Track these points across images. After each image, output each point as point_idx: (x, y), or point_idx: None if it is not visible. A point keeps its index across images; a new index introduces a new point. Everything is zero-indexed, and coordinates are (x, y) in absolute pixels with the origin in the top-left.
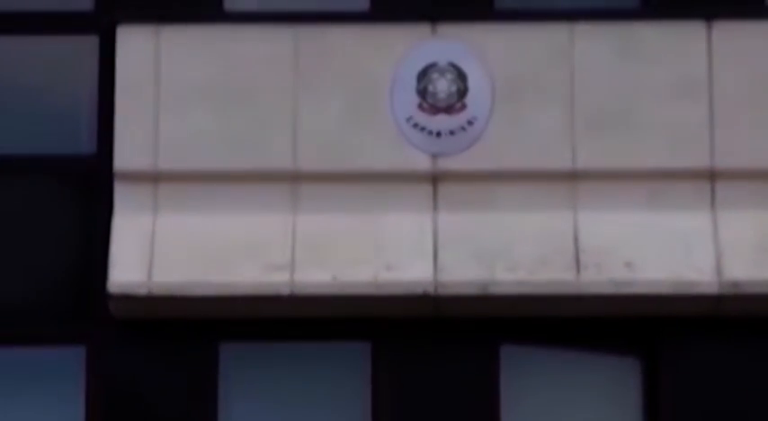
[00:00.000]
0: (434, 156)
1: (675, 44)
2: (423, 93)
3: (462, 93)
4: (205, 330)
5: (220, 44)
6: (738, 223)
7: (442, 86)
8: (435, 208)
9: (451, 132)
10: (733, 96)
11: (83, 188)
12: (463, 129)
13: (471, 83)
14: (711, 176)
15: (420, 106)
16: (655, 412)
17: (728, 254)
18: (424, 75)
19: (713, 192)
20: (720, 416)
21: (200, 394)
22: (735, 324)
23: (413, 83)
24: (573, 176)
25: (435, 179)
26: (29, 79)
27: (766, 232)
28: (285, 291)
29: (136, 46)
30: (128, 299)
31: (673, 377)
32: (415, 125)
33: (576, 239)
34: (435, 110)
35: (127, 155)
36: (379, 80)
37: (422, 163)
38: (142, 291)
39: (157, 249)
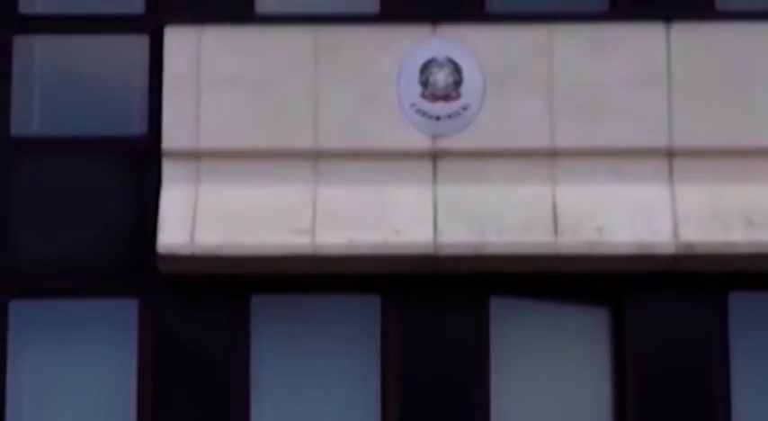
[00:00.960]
0: (434, 137)
1: (638, 42)
2: (424, 83)
3: (458, 83)
4: (239, 285)
5: (252, 41)
6: (692, 194)
7: (441, 78)
8: (435, 181)
9: (449, 117)
10: (688, 86)
11: (136, 164)
12: (458, 114)
13: (465, 75)
14: (669, 154)
15: (422, 95)
16: (621, 354)
17: (683, 220)
18: (425, 68)
19: (671, 167)
20: (675, 357)
21: (235, 340)
22: (688, 279)
23: (416, 75)
24: (552, 154)
25: (435, 156)
26: (92, 72)
27: (716, 202)
28: (307, 251)
29: (180, 44)
30: (173, 258)
31: (636, 325)
32: (418, 111)
33: (554, 207)
34: (435, 98)
35: (173, 136)
36: (387, 72)
37: (423, 143)
38: (186, 251)
39: (199, 216)
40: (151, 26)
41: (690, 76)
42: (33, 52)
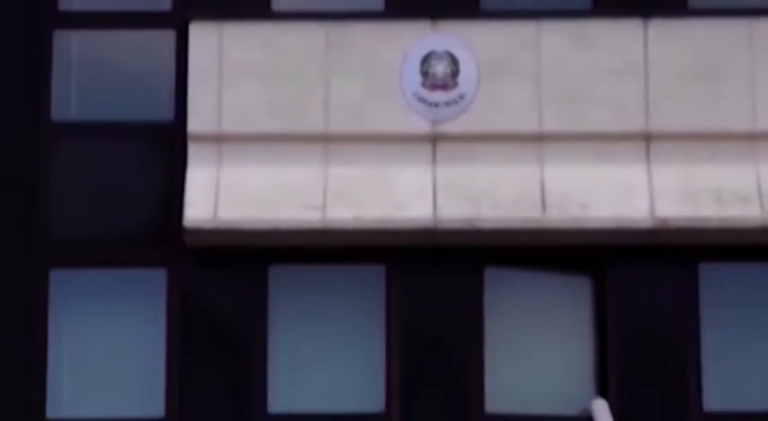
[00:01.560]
0: (433, 123)
1: (619, 37)
2: (424, 74)
3: (455, 74)
4: (257, 256)
5: (268, 36)
6: (667, 174)
7: (440, 69)
8: (434, 162)
9: (447, 104)
10: (663, 77)
11: (164, 147)
12: (455, 101)
13: (462, 66)
14: (646, 138)
15: (422, 84)
16: (602, 319)
17: (659, 197)
18: (425, 60)
19: (647, 150)
20: (650, 321)
21: (254, 306)
22: (663, 251)
23: (417, 66)
24: (540, 138)
25: (434, 140)
26: (124, 64)
27: (688, 181)
28: (318, 225)
29: (204, 38)
30: (198, 232)
31: (615, 292)
32: (419, 99)
33: (542, 186)
34: (434, 87)
35: (197, 121)
36: (391, 64)
37: (423, 128)
38: (209, 225)
39: (221, 193)
40: (177, 22)
41: (665, 67)
42: (71, 45)
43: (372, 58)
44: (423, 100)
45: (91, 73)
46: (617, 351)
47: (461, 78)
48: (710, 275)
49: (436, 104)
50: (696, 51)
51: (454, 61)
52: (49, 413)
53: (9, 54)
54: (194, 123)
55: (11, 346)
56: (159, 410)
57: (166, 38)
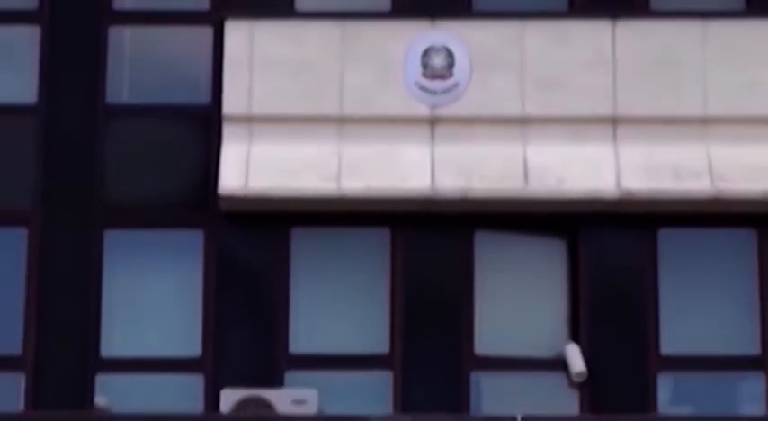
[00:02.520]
0: (432, 107)
1: (590, 34)
2: (425, 65)
3: (451, 65)
4: (281, 220)
5: (292, 31)
6: (631, 152)
7: (438, 61)
8: (432, 140)
9: (443, 91)
10: (629, 69)
11: (202, 126)
12: (451, 89)
13: (457, 59)
14: (613, 121)
15: (423, 74)
16: (574, 276)
17: (624, 172)
18: (425, 53)
19: (615, 131)
20: (616, 278)
21: (278, 263)
22: (628, 218)
23: (418, 58)
24: (523, 121)
25: (432, 122)
26: (169, 55)
27: (650, 158)
28: (334, 194)
29: (237, 34)
30: (231, 198)
31: (586, 253)
32: (420, 87)
33: (525, 162)
34: (433, 77)
35: (231, 105)
36: (396, 56)
37: (424, 111)
38: (240, 193)
39: (250, 166)
40: (214, 20)
41: (630, 61)
42: (123, 39)
43: (380, 52)
44: (423, 88)
45: (140, 63)
46: (587, 303)
47: (456, 69)
48: (668, 239)
49: (434, 92)
50: (657, 47)
51: (450, 55)
52: (103, 352)
53: (72, 47)
54: (228, 106)
55: (71, 296)
56: (196, 350)
57: (205, 33)
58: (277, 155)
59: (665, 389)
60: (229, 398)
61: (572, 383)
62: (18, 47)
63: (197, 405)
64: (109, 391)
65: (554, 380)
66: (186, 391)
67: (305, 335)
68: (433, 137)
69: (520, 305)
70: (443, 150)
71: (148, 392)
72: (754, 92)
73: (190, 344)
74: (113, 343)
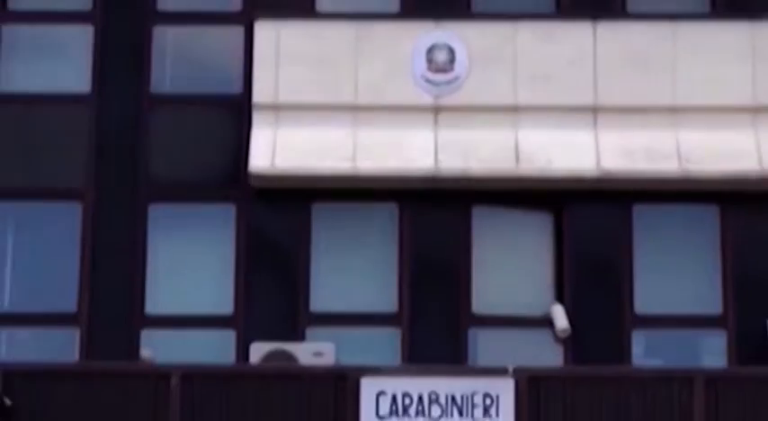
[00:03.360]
0: (436, 97)
1: (574, 33)
2: (429, 61)
3: (452, 61)
4: (304, 196)
5: (313, 30)
6: (610, 137)
7: (441, 57)
8: (436, 126)
9: (446, 83)
10: (608, 64)
11: (235, 113)
12: (452, 82)
13: (457, 55)
14: (594, 110)
15: (428, 68)
16: (560, 245)
17: (604, 154)
18: (430, 50)
19: (595, 118)
20: (596, 248)
21: (301, 233)
22: (607, 195)
23: (423, 54)
24: (515, 109)
25: (436, 110)
26: (206, 51)
27: (626, 142)
28: (349, 173)
29: (265, 32)
30: (260, 177)
31: (570, 225)
32: (425, 79)
33: (516, 145)
34: (437, 70)
35: (260, 94)
36: (404, 52)
37: (428, 101)
38: (268, 172)
39: (277, 148)
40: (245, 20)
41: (609, 57)
42: (166, 37)
43: (390, 48)
44: (428, 80)
45: (180, 58)
46: (570, 269)
47: (457, 64)
48: (641, 213)
49: (438, 84)
50: (632, 45)
51: (451, 51)
52: (148, 310)
53: (120, 43)
54: (257, 96)
55: (120, 262)
56: (229, 309)
57: (237, 32)
58: (300, 138)
59: (639, 344)
60: (257, 351)
61: (557, 339)
62: (74, 43)
63: (229, 357)
64: (152, 344)
65: (541, 335)
66: (220, 345)
67: (323, 295)
68: (436, 123)
69: (512, 270)
70: (445, 135)
71: (187, 346)
72: (718, 84)
73: (223, 303)
74: (156, 302)
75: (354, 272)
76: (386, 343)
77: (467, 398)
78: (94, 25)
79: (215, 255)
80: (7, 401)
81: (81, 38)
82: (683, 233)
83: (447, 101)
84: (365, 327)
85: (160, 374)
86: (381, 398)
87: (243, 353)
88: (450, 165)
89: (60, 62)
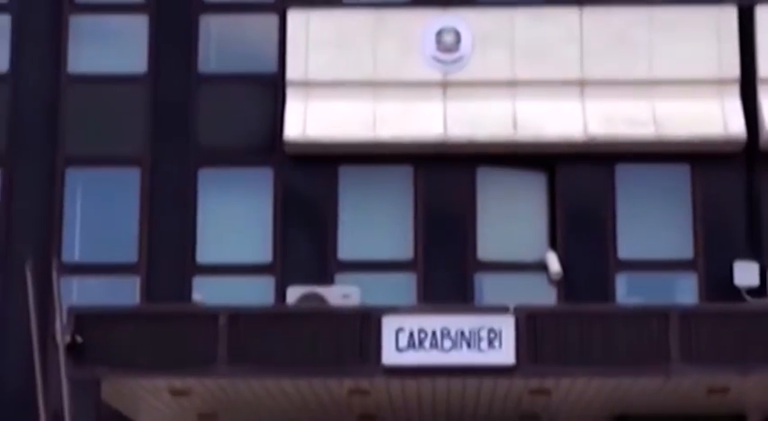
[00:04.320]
0: (444, 74)
1: (563, 17)
2: (438, 42)
3: (458, 42)
4: (331, 159)
5: (338, 17)
6: (595, 106)
7: (448, 39)
8: (445, 98)
9: (453, 62)
10: (593, 43)
11: (271, 88)
12: (458, 60)
13: (463, 37)
14: (581, 83)
15: (437, 48)
16: (553, 202)
17: (590, 121)
18: (439, 33)
19: (582, 90)
20: (584, 203)
21: (329, 193)
22: (593, 156)
23: (433, 36)
24: (513, 83)
25: (444, 85)
26: (247, 36)
27: (608, 110)
28: (371, 139)
29: (297, 19)
30: (294, 144)
31: (562, 184)
32: (435, 58)
33: (514, 113)
34: (445, 51)
35: (292, 72)
36: (417, 35)
37: (438, 77)
38: (300, 139)
39: (308, 119)
40: (279, 9)
41: (593, 37)
42: (210, 24)
43: (404, 32)
44: (437, 59)
45: (223, 42)
46: (562, 220)
47: (462, 45)
48: (623, 172)
49: (446, 62)
50: (614, 26)
51: (458, 34)
52: (198, 260)
53: (172, 30)
54: (290, 74)
55: (174, 218)
56: (268, 258)
57: (272, 19)
58: (327, 110)
59: (621, 285)
60: (293, 294)
61: (551, 281)
62: (131, 31)
63: (269, 299)
64: (202, 290)
65: (537, 279)
66: (260, 289)
67: (349, 245)
68: (444, 96)
69: (511, 222)
70: (453, 106)
71: (232, 290)
72: (688, 60)
73: (263, 253)
74: (206, 253)
75: (375, 225)
76: (403, 286)
77: (474, 332)
78: (149, 15)
79: (255, 212)
80: (79, 339)
81: (138, 26)
82: (659, 189)
83: (454, 77)
84: (385, 273)
85: (209, 315)
86: (400, 334)
87: (280, 296)
88: (457, 133)
89: (120, 47)
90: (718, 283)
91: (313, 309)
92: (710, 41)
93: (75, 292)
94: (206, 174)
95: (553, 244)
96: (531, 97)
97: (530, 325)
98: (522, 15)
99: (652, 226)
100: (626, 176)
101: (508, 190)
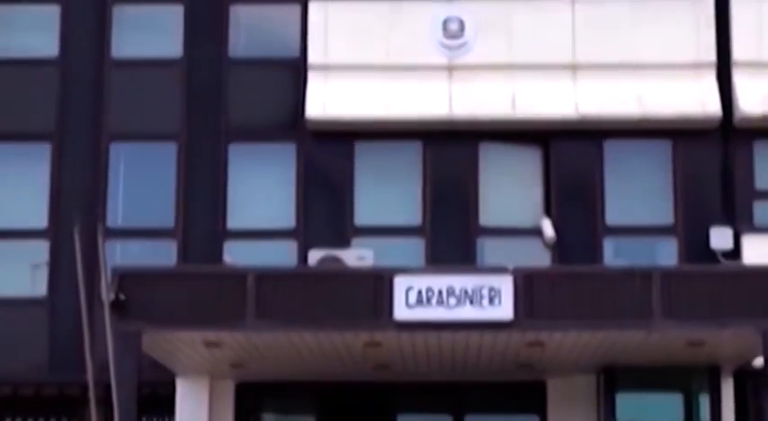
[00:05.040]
0: (450, 58)
1: (557, 5)
2: (444, 29)
3: (462, 29)
4: (348, 135)
5: (355, 8)
6: (586, 87)
7: (453, 27)
8: (450, 79)
9: (457, 47)
10: (585, 31)
11: (294, 71)
12: (462, 46)
13: (466, 25)
14: (573, 67)
15: (444, 35)
16: (547, 173)
17: (581, 101)
18: (445, 22)
19: (574, 73)
20: (575, 174)
21: (346, 165)
22: (584, 132)
23: (440, 24)
24: (511, 66)
25: (450, 68)
26: (272, 24)
27: (598, 91)
28: (384, 117)
29: (317, 9)
30: (314, 121)
31: (555, 157)
32: (442, 44)
33: (513, 94)
34: (450, 37)
35: (314, 56)
36: (425, 24)
37: (444, 61)
38: (321, 117)
39: (327, 99)
40: (301, 0)
41: (585, 24)
42: (239, 14)
43: (414, 20)
44: (444, 45)
45: (252, 29)
46: (556, 190)
47: (466, 32)
48: (611, 147)
49: (451, 48)
50: (603, 15)
51: (462, 22)
52: (229, 225)
53: (205, 19)
54: (312, 58)
55: (207, 188)
56: (292, 224)
57: (295, 9)
58: (345, 91)
59: (609, 248)
60: (313, 256)
61: (545, 245)
62: (169, 19)
63: (292, 261)
64: (233, 252)
65: (533, 243)
66: (284, 252)
67: (364, 212)
68: (450, 78)
69: (510, 192)
70: (457, 88)
71: (259, 252)
72: (671, 45)
73: (287, 219)
74: (235, 219)
75: (388, 194)
76: (413, 249)
77: (476, 291)
78: (184, 5)
79: (280, 183)
80: (122, 297)
81: (174, 15)
82: (643, 162)
83: (458, 61)
84: (396, 237)
85: (239, 275)
86: (410, 292)
87: (302, 258)
88: (461, 111)
89: (158, 34)
90: (695, 247)
91: (331, 269)
92: (690, 28)
93: (119, 254)
94: (235, 148)
95: (547, 211)
96: (527, 79)
97: (526, 284)
98: (519, 5)
99: (636, 195)
100: (613, 151)
101: (507, 163)
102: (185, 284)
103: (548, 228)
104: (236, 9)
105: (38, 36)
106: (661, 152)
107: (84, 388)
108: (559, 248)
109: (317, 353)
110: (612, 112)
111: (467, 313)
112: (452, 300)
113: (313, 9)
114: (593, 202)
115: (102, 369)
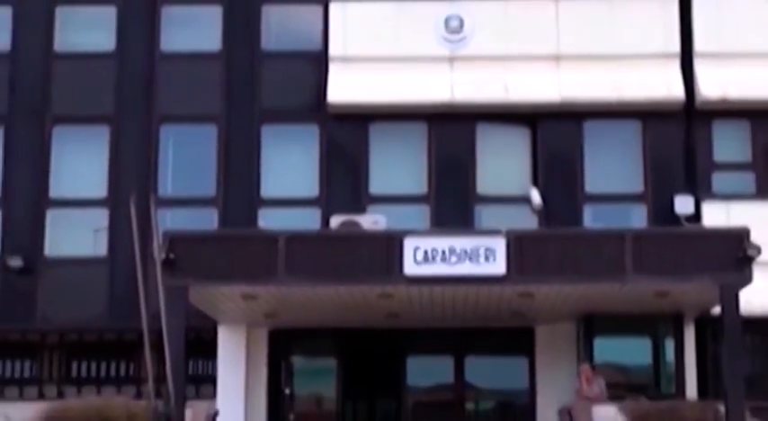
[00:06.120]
0: (451, 50)
1: (543, 7)
2: (446, 26)
3: (462, 26)
4: (363, 118)
5: (369, 9)
6: (568, 75)
7: (454, 23)
8: (452, 70)
9: (458, 41)
10: (567, 26)
11: (317, 63)
12: (462, 40)
13: (465, 22)
14: (557, 58)
15: (446, 31)
16: (535, 150)
17: (564, 86)
18: (447, 20)
19: (558, 63)
20: (559, 154)
21: (361, 144)
22: (569, 114)
23: (442, 21)
24: (504, 58)
25: (451, 59)
26: (299, 21)
27: (579, 78)
28: (394, 101)
29: (337, 10)
30: (335, 105)
31: (542, 138)
32: (444, 38)
33: (506, 81)
34: (451, 32)
35: (334, 49)
36: (429, 21)
37: (446, 53)
38: (341, 102)
39: (347, 85)
40: (323, 1)
41: (568, 18)
42: (271, 13)
43: (420, 18)
44: (446, 39)
45: (281, 27)
46: (542, 163)
47: (465, 28)
48: (590, 127)
49: (452, 41)
50: (583, 10)
51: (461, 20)
52: (263, 195)
53: (240, 18)
54: (333, 51)
55: (243, 163)
56: (316, 193)
57: (318, 10)
58: (361, 79)
59: (588, 214)
60: (334, 221)
61: (533, 211)
62: (209, 19)
63: (316, 225)
64: (266, 218)
65: (523, 209)
66: (310, 218)
67: (378, 183)
68: (451, 68)
69: (503, 165)
70: (458, 75)
71: (288, 218)
72: (641, 38)
73: (312, 189)
74: (268, 189)
75: (398, 168)
76: (419, 214)
77: (474, 250)
78: (222, 6)
79: (305, 159)
80: (171, 256)
81: (214, 14)
82: (617, 139)
83: (459, 53)
84: (405, 204)
85: (271, 237)
86: (417, 251)
87: (325, 222)
88: (461, 96)
89: (201, 31)
90: (662, 212)
91: (350, 232)
92: (658, 23)
93: (168, 220)
94: (267, 129)
95: (535, 182)
96: (518, 68)
97: (517, 244)
98: (511, 5)
99: (611, 168)
100: (592, 130)
101: (500, 140)
102: (225, 245)
103: (535, 196)
104: (267, 9)
105: (97, 33)
106: (633, 131)
107: (140, 334)
108: (545, 213)
109: (337, 303)
110: (591, 97)
111: (466, 269)
112: (454, 258)
113: (333, 8)
114: (575, 174)
115: (154, 318)
